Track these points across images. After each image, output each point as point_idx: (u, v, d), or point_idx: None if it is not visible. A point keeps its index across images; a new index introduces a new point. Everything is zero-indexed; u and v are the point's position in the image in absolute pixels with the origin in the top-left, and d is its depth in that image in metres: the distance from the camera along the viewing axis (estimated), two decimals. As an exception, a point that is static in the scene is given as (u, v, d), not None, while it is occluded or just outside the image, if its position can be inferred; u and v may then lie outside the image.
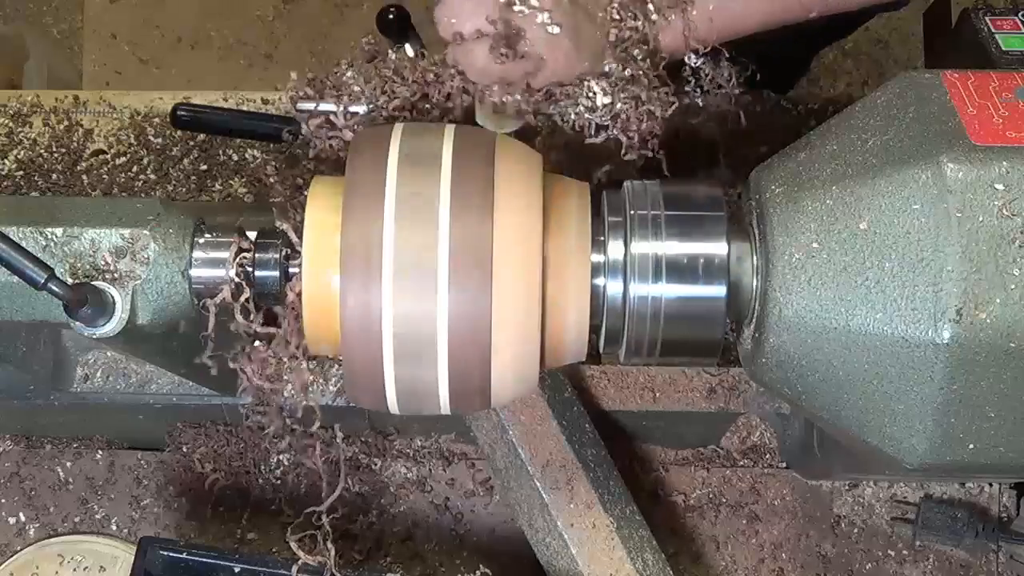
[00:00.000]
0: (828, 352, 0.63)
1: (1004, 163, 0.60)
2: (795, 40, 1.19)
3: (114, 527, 1.04)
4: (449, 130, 0.66)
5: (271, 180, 0.77)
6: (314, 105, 0.79)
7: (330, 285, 0.63)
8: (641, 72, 0.77)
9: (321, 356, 0.68)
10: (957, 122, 0.62)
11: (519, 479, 0.93)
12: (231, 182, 1.13)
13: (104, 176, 1.12)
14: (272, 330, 0.69)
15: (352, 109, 0.79)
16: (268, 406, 0.72)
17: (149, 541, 0.87)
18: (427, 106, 0.77)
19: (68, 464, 1.05)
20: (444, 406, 0.66)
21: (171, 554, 0.87)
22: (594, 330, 0.67)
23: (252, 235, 0.70)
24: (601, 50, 0.77)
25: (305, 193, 0.66)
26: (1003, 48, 0.78)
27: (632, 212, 0.66)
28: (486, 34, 0.74)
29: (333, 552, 0.73)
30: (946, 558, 1.01)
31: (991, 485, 1.01)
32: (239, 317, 0.69)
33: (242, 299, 0.69)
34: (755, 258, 0.66)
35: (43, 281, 0.63)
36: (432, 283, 0.61)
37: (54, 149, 1.14)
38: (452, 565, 1.01)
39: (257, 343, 0.70)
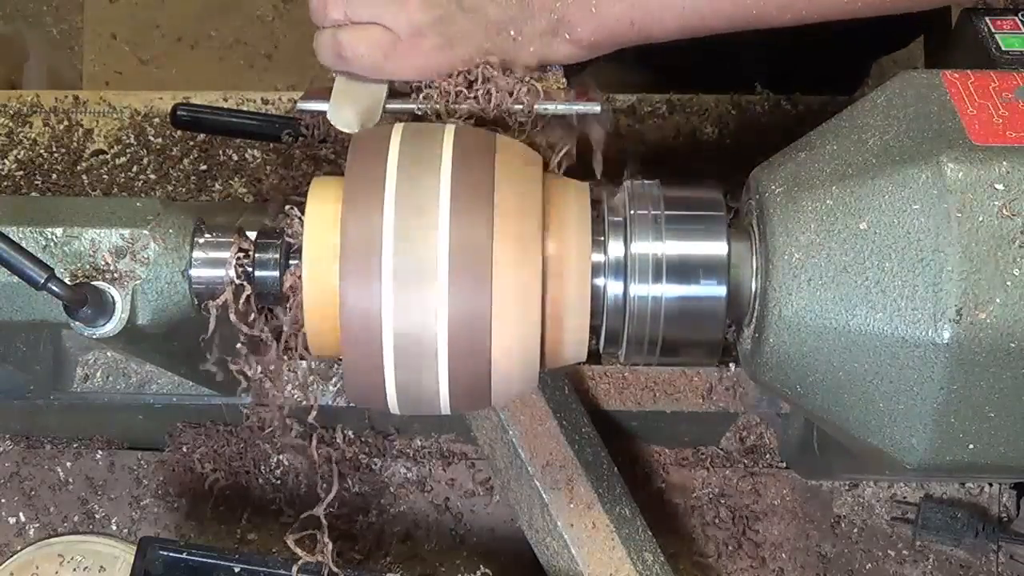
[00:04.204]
0: (828, 352, 0.63)
1: (1004, 163, 0.60)
2: (852, 46, 1.20)
3: (114, 527, 1.03)
4: (449, 130, 0.66)
5: (270, 180, 0.77)
6: (316, 105, 0.79)
7: (330, 285, 0.63)
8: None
9: (322, 357, 0.68)
10: (957, 122, 0.62)
11: (519, 479, 0.93)
12: (231, 182, 1.13)
13: (104, 176, 1.12)
14: (268, 335, 0.70)
15: None
16: (268, 406, 0.72)
17: (149, 541, 0.87)
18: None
19: (68, 464, 1.05)
20: (444, 406, 0.66)
21: (171, 554, 0.87)
22: (594, 330, 0.67)
23: (252, 235, 0.70)
24: (482, 43, 0.76)
25: (305, 189, 0.66)
26: (1003, 48, 0.78)
27: (632, 212, 0.67)
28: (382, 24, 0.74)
29: (331, 548, 0.74)
30: (946, 558, 1.01)
31: (991, 485, 1.01)
32: (234, 318, 0.69)
33: (242, 299, 0.69)
34: (755, 258, 0.66)
35: (43, 281, 0.63)
36: (432, 283, 0.61)
37: (54, 149, 1.14)
38: (452, 565, 1.01)
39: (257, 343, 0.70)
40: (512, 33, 0.76)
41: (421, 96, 0.76)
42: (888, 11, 0.78)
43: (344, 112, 0.76)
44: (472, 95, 0.75)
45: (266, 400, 0.72)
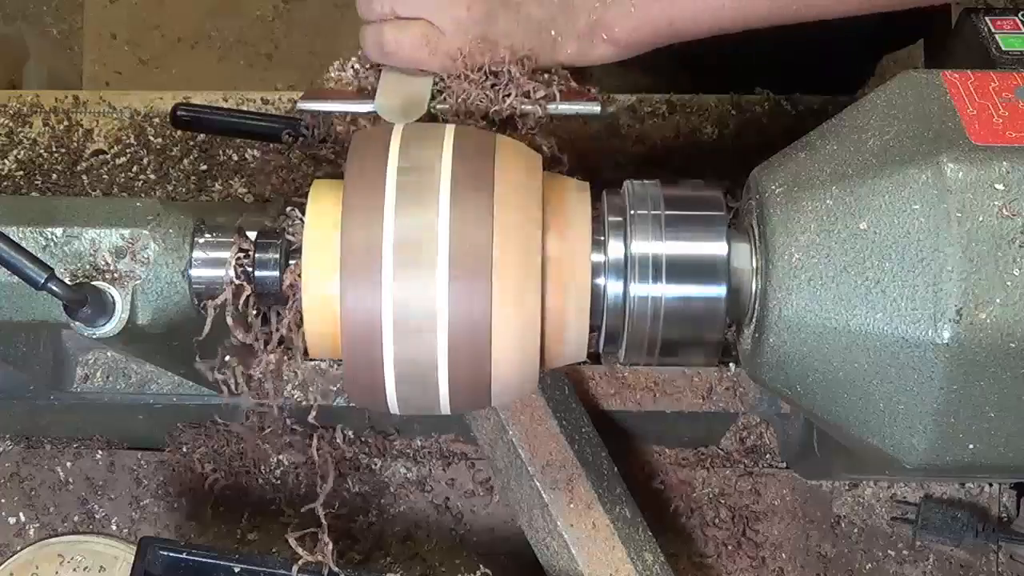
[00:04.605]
0: (828, 352, 0.63)
1: (1004, 163, 0.60)
2: (853, 47, 1.19)
3: (114, 527, 1.03)
4: (449, 130, 0.66)
5: (270, 180, 0.77)
6: (316, 105, 0.79)
7: (330, 286, 0.63)
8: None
9: (321, 357, 0.68)
10: (957, 122, 0.62)
11: (519, 479, 0.93)
12: (231, 182, 1.13)
13: (104, 176, 1.12)
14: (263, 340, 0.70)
15: (356, 109, 0.79)
16: (267, 406, 0.72)
17: (149, 541, 0.87)
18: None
19: (68, 464, 1.05)
20: (444, 406, 0.66)
21: (171, 554, 0.87)
22: (594, 330, 0.67)
23: (252, 235, 0.70)
24: (523, 42, 0.77)
25: (306, 190, 0.66)
26: (1003, 48, 0.78)
27: (632, 212, 0.67)
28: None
29: (331, 547, 0.74)
30: (946, 558, 1.01)
31: (991, 485, 1.01)
32: (231, 321, 0.69)
33: (241, 300, 0.69)
34: (755, 258, 0.66)
35: (43, 281, 0.63)
36: (432, 283, 0.61)
37: (54, 149, 1.14)
38: (452, 565, 1.01)
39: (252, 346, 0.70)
40: (553, 33, 0.76)
41: (441, 92, 0.77)
42: (896, 7, 0.78)
43: (391, 104, 0.77)
44: (487, 94, 0.76)
45: (265, 400, 0.72)
